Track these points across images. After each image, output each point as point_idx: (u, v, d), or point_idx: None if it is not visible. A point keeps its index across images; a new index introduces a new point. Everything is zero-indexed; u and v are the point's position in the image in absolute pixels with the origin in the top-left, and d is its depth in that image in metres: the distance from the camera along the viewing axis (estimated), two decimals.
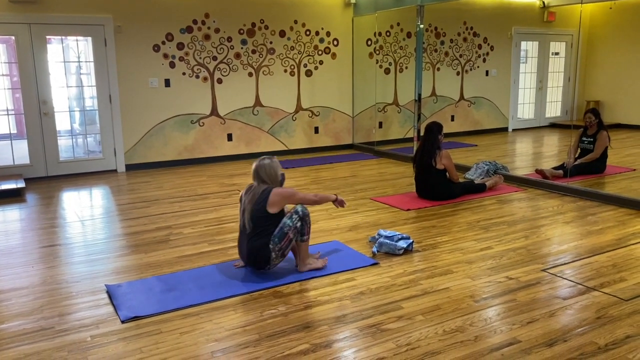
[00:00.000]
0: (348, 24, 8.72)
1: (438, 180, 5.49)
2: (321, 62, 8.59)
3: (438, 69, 9.39)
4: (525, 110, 10.20)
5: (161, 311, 3.09)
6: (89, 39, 7.05)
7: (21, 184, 6.19)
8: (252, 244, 3.53)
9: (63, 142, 7.40)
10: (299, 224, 3.55)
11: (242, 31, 7.88)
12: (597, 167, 6.52)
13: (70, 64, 7.73)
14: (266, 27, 8.04)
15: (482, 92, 9.87)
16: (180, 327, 2.92)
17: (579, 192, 5.66)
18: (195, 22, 7.54)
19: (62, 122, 7.33)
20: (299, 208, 3.59)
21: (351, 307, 3.13)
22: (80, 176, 7.14)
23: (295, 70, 8.40)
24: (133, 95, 7.33)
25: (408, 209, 5.23)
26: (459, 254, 3.97)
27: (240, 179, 6.80)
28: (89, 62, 7.26)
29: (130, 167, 7.47)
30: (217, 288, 3.40)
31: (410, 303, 3.16)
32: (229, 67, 7.88)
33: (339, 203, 3.89)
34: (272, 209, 3.53)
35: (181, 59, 7.53)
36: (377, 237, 4.14)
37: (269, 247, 3.49)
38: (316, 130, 8.78)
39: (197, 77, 7.69)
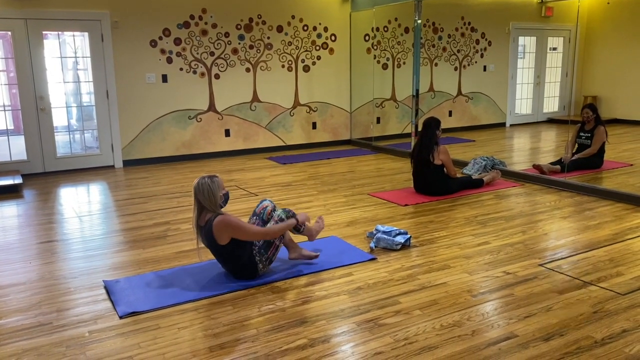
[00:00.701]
0: (346, 19, 8.70)
1: (436, 176, 5.49)
2: (319, 58, 8.58)
3: (436, 65, 9.39)
4: (522, 105, 10.22)
5: (159, 306, 3.10)
6: (86, 34, 7.03)
7: (18, 180, 6.18)
8: (231, 267, 3.43)
9: (60, 138, 7.38)
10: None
11: (239, 26, 7.86)
12: (595, 162, 6.53)
13: (67, 59, 7.71)
14: (263, 23, 8.03)
15: (479, 87, 9.88)
16: (178, 323, 2.92)
17: (576, 187, 5.67)
18: (192, 17, 7.52)
19: (59, 118, 7.31)
20: (282, 215, 3.53)
21: (349, 302, 3.13)
22: (78, 172, 7.14)
23: (293, 65, 8.39)
24: (130, 91, 7.31)
25: (406, 205, 5.24)
26: (456, 249, 3.98)
27: (238, 174, 6.80)
28: (86, 57, 7.23)
29: (127, 163, 7.47)
30: (215, 283, 3.40)
31: (407, 298, 3.17)
32: (227, 62, 7.86)
33: (302, 224, 3.59)
34: (224, 241, 3.28)
35: (178, 54, 7.52)
36: (374, 232, 4.14)
37: (255, 260, 3.39)
38: (314, 125, 8.78)
39: (195, 72, 7.67)
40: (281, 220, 3.52)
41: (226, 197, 3.41)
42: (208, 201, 3.30)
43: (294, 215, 3.59)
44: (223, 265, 3.49)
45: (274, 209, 3.70)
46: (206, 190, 3.29)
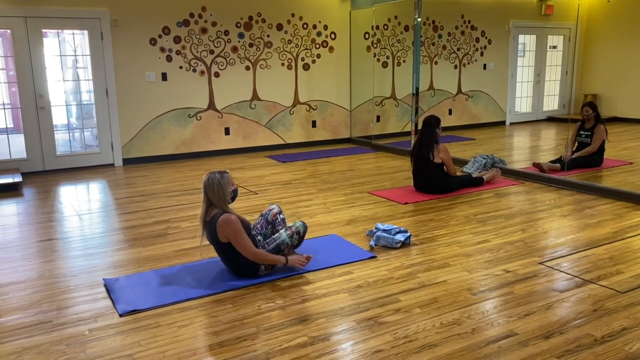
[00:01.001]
0: (345, 17, 8.69)
1: (436, 174, 5.49)
2: (319, 56, 8.57)
3: (436, 63, 9.38)
4: (522, 103, 10.20)
5: (159, 305, 3.10)
6: (86, 32, 7.02)
7: (18, 178, 6.18)
8: (232, 266, 3.44)
9: (60, 136, 7.38)
10: (297, 242, 3.56)
11: (239, 24, 7.86)
12: (595, 160, 6.53)
13: (67, 57, 7.69)
14: (263, 21, 8.02)
15: (479, 85, 9.87)
16: (179, 321, 2.92)
17: (576, 185, 5.67)
18: (192, 15, 7.51)
19: (58, 116, 7.30)
20: (300, 228, 3.57)
21: (349, 300, 3.13)
22: (78, 170, 7.13)
23: (293, 63, 8.38)
24: (130, 89, 7.31)
25: (406, 203, 5.24)
26: (456, 247, 3.98)
27: (238, 172, 6.80)
28: (86, 55, 7.23)
29: (127, 161, 7.46)
30: (214, 281, 3.40)
31: (407, 296, 3.17)
32: (226, 60, 7.86)
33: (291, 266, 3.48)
34: (223, 240, 3.33)
35: (178, 52, 7.51)
36: (374, 230, 4.14)
37: (256, 262, 3.39)
38: (314, 124, 8.77)
39: (194, 70, 7.66)
40: (297, 232, 3.54)
41: (235, 194, 3.44)
42: (217, 197, 3.33)
43: (295, 244, 3.59)
44: (225, 264, 3.50)
45: (279, 212, 3.73)
46: (216, 186, 3.33)
